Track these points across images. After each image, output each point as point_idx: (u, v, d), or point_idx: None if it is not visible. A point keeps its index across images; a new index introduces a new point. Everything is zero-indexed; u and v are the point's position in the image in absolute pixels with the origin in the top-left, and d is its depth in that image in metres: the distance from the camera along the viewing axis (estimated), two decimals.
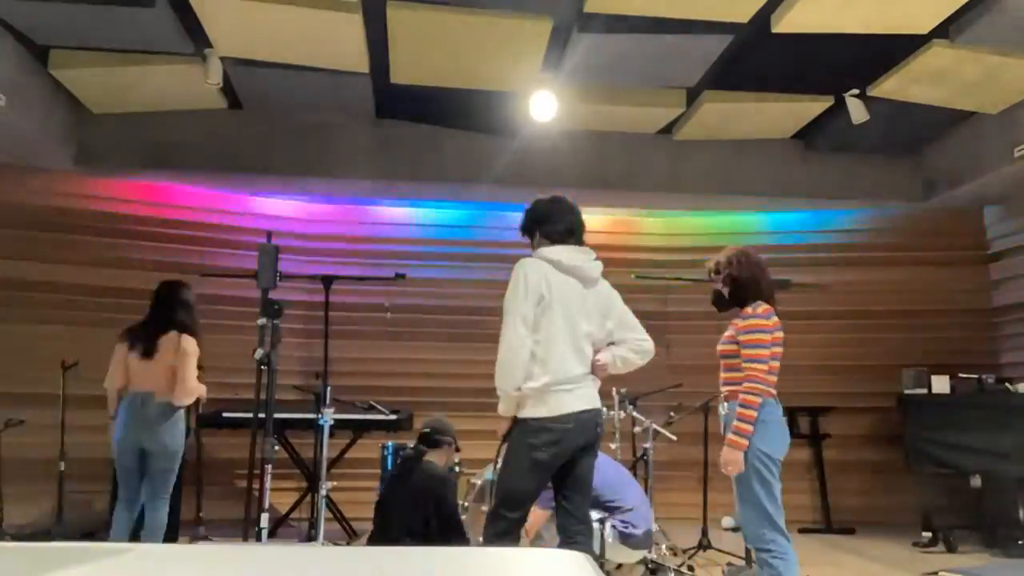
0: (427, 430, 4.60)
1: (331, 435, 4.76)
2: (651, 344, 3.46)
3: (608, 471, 4.37)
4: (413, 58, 5.13)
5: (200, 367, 4.41)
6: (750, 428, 3.30)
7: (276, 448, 3.82)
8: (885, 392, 6.58)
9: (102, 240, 6.46)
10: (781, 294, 5.62)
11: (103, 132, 6.06)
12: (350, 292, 6.64)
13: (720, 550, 5.29)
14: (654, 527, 5.16)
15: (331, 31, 4.71)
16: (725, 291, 3.64)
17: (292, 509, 5.86)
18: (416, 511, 4.21)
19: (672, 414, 5.66)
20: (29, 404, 5.70)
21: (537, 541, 4.35)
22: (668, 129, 6.45)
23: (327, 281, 5.65)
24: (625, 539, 4.43)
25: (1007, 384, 6.02)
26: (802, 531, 6.43)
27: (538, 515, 4.12)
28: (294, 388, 6.11)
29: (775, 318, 3.49)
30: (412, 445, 4.95)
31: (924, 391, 6.15)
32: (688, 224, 7.58)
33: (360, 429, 5.89)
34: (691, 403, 5.68)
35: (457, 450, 4.77)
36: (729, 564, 5.06)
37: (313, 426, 4.82)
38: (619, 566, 4.67)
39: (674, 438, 5.33)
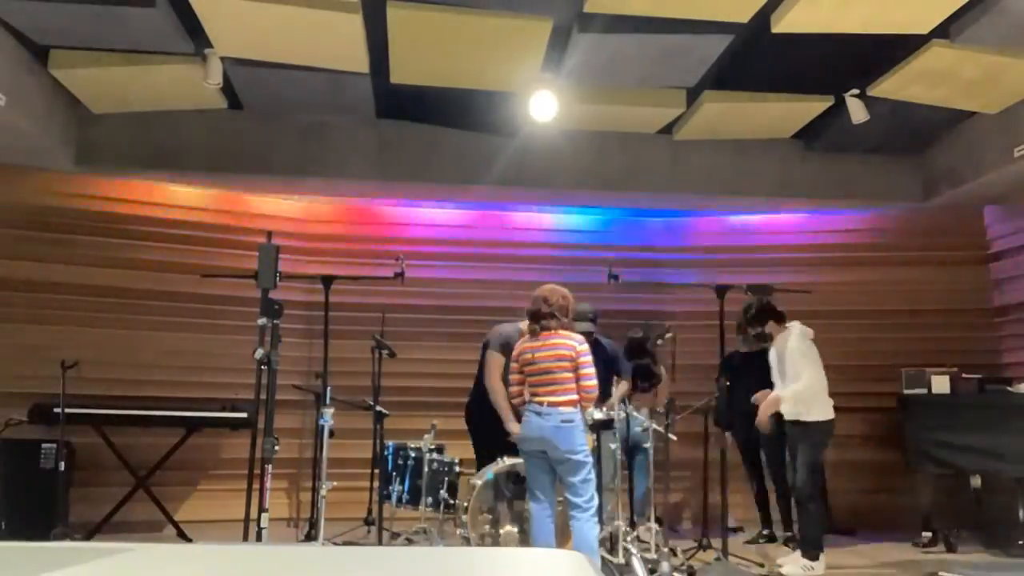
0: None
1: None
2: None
3: None
4: (413, 58, 5.13)
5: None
6: None
7: (277, 448, 3.81)
8: (885, 392, 6.58)
9: (102, 240, 6.46)
10: (779, 295, 5.66)
11: (103, 132, 6.06)
12: (350, 292, 6.64)
13: (719, 550, 5.28)
14: (654, 527, 5.16)
15: (331, 31, 4.71)
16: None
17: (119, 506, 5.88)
18: None
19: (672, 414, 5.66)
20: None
21: None
22: (668, 129, 6.45)
23: (327, 281, 5.65)
24: None
25: (1007, 384, 6.02)
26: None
27: None
28: (294, 388, 6.12)
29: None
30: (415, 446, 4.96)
31: (924, 391, 6.15)
32: (689, 224, 7.59)
33: (194, 426, 6.01)
34: (691, 403, 5.68)
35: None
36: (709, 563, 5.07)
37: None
38: None
39: (674, 438, 5.33)
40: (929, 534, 5.84)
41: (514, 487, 4.77)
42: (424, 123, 6.37)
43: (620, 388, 5.34)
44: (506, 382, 4.87)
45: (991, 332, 7.11)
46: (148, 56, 5.21)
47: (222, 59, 5.19)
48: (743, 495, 6.39)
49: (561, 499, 4.69)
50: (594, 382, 4.30)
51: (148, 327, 6.52)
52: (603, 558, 4.62)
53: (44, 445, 5.60)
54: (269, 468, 3.68)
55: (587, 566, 1.46)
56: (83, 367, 5.49)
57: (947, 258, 7.21)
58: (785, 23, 4.51)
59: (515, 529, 4.73)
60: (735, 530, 6.10)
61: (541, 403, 4.24)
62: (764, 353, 5.46)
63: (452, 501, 5.00)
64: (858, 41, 4.77)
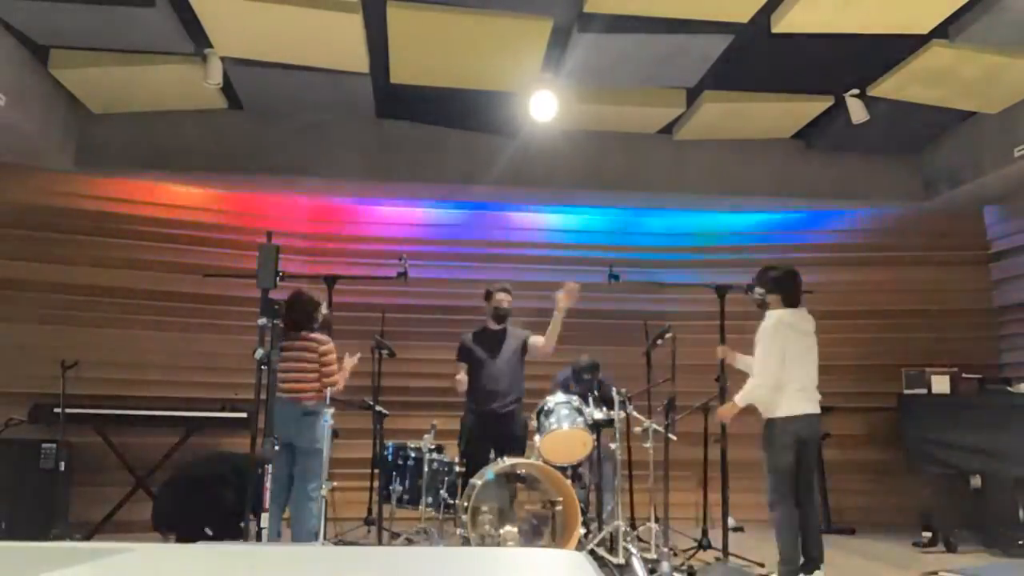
0: None
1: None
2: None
3: None
4: (413, 58, 5.13)
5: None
6: None
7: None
8: (885, 392, 6.58)
9: (102, 240, 6.46)
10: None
11: (103, 132, 6.06)
12: (350, 292, 6.64)
13: (719, 550, 5.28)
14: (654, 527, 5.16)
15: (331, 31, 4.71)
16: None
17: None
18: None
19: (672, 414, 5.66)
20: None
21: None
22: (668, 129, 6.45)
23: (330, 281, 5.63)
24: None
25: (1007, 384, 6.02)
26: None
27: None
28: None
29: None
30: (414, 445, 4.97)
31: (924, 391, 6.15)
32: (688, 224, 7.58)
33: (194, 427, 6.02)
34: (691, 403, 5.68)
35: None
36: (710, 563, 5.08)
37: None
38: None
39: (674, 438, 5.33)
40: (929, 534, 5.84)
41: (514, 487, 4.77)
42: (424, 123, 6.37)
43: None
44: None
45: (991, 332, 7.10)
46: (148, 56, 5.21)
47: (222, 59, 5.20)
48: (743, 495, 6.38)
49: (561, 499, 4.69)
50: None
51: (148, 327, 6.52)
52: (603, 558, 4.62)
53: (44, 445, 5.60)
54: (269, 468, 3.68)
55: (587, 566, 1.46)
56: (83, 367, 5.49)
57: (947, 258, 7.21)
58: (785, 23, 4.52)
59: (515, 529, 4.73)
60: (735, 530, 6.10)
61: None
62: None
63: (452, 501, 5.00)
64: (858, 41, 4.77)
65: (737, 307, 5.46)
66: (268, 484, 3.78)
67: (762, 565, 5.07)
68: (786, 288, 4.78)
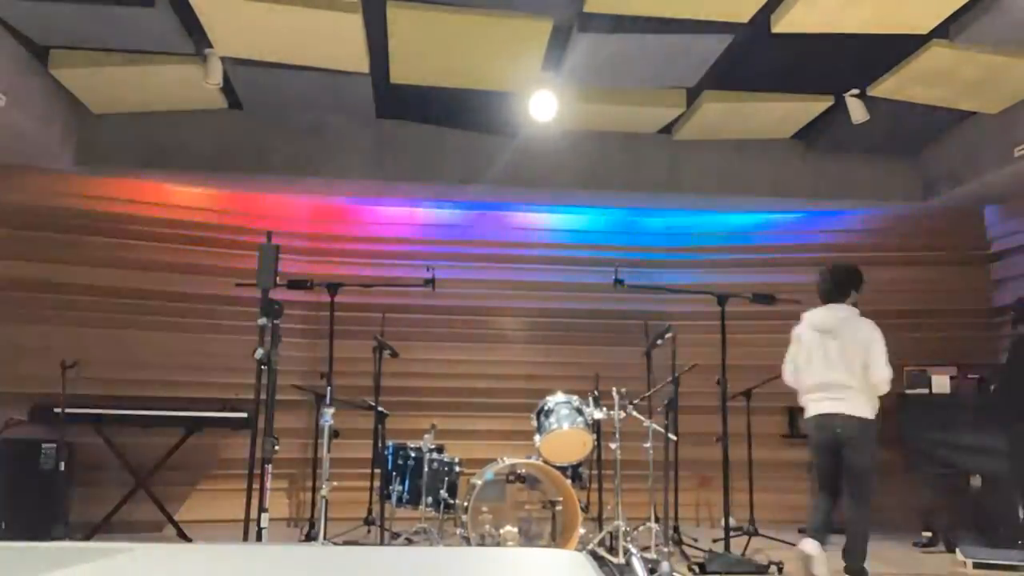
0: None
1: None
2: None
3: None
4: (413, 58, 5.13)
5: None
6: None
7: (277, 448, 3.82)
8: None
9: (102, 240, 6.46)
10: (780, 294, 5.65)
11: (103, 132, 6.06)
12: (350, 292, 6.63)
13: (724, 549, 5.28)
14: (655, 527, 5.16)
15: (331, 31, 4.71)
16: None
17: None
18: None
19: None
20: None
21: None
22: (668, 129, 6.45)
23: (332, 289, 5.60)
24: None
25: None
26: (802, 531, 6.42)
27: None
28: (294, 388, 6.12)
29: None
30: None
31: (924, 391, 6.15)
32: (688, 224, 7.58)
33: (194, 426, 5.96)
34: (691, 403, 5.68)
35: None
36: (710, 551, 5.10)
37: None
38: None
39: (674, 438, 5.32)
40: (929, 534, 5.84)
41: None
42: (424, 123, 6.37)
43: None
44: None
45: (991, 332, 7.10)
46: (148, 56, 5.21)
47: (222, 59, 5.19)
48: (743, 495, 6.38)
49: (561, 499, 4.69)
50: None
51: (148, 327, 6.52)
52: (603, 558, 4.63)
53: (44, 445, 5.60)
54: (269, 468, 3.68)
55: (587, 566, 1.46)
56: (83, 367, 5.49)
57: (947, 258, 7.21)
58: (785, 23, 4.52)
59: (515, 529, 4.74)
60: (735, 529, 6.10)
61: None
62: None
63: (452, 501, 5.00)
64: (858, 41, 4.77)
65: (738, 308, 5.46)
66: (268, 484, 3.77)
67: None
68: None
